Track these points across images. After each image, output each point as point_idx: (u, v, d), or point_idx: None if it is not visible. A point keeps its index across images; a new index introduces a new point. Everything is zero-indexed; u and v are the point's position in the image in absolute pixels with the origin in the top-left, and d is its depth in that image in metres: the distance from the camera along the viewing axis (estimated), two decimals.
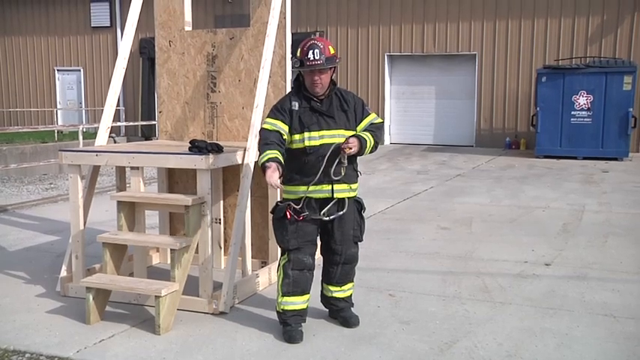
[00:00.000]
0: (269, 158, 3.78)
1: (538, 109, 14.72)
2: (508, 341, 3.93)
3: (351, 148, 3.83)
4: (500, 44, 17.22)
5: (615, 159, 14.14)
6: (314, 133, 3.89)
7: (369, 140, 3.94)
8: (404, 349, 3.82)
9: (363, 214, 4.17)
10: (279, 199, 4.25)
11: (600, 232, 6.99)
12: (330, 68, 3.94)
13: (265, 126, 3.97)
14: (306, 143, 3.89)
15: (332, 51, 3.90)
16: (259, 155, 3.88)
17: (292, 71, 5.37)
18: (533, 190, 10.07)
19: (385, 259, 5.82)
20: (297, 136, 3.92)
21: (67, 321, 4.34)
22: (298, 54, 3.89)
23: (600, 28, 16.30)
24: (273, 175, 3.72)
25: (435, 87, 18.37)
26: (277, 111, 3.98)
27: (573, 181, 11.13)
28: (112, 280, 4.38)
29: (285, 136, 3.93)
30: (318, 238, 4.10)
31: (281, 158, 3.82)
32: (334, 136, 3.89)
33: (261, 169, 3.84)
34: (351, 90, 19.24)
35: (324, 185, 3.91)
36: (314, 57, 3.82)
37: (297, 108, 3.92)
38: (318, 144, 3.88)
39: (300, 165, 3.91)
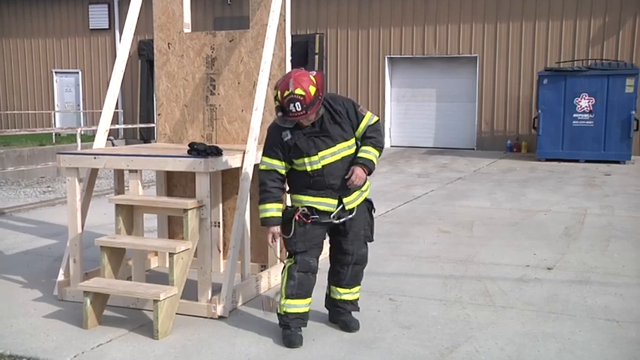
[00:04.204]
0: (270, 217, 3.93)
1: (539, 111, 14.72)
2: (510, 346, 3.92)
3: (356, 184, 3.89)
4: (502, 46, 17.24)
5: (617, 162, 14.14)
6: (313, 158, 3.88)
7: (373, 157, 3.96)
8: (404, 353, 3.82)
9: (373, 214, 4.18)
10: (288, 205, 4.26)
11: (602, 236, 6.98)
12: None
13: (262, 167, 4.01)
14: (308, 168, 3.90)
15: (313, 92, 3.72)
16: (260, 201, 3.98)
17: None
18: (534, 193, 10.07)
19: (385, 263, 5.82)
20: (297, 161, 3.93)
21: (65, 325, 4.33)
22: (279, 97, 3.75)
23: (602, 31, 16.33)
24: (274, 242, 3.98)
25: (436, 89, 18.38)
26: (270, 149, 3.97)
27: (575, 184, 11.13)
28: (110, 284, 4.38)
29: (283, 172, 3.98)
30: (327, 241, 4.13)
31: (279, 214, 3.95)
32: (335, 153, 3.90)
33: (261, 222, 4.00)
34: (351, 93, 19.20)
35: (329, 199, 3.94)
36: (296, 110, 3.72)
37: (289, 137, 3.89)
38: (320, 167, 3.89)
39: (307, 184, 3.95)
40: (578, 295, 4.92)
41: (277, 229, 3.96)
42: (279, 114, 3.79)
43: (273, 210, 3.95)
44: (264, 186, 3.97)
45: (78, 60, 22.18)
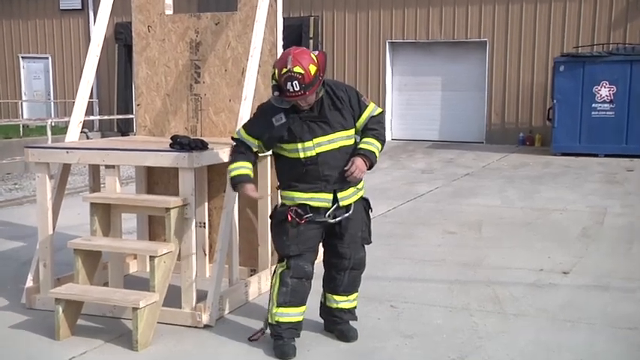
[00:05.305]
0: (242, 174, 3.99)
1: (555, 101, 14.77)
2: (521, 357, 3.96)
3: (355, 177, 3.91)
4: (514, 30, 17.27)
5: None
6: (308, 143, 3.90)
7: (376, 150, 3.99)
8: None
9: (370, 214, 4.21)
10: (278, 203, 4.28)
11: (624, 238, 7.03)
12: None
13: (235, 135, 4.12)
14: (301, 155, 3.91)
15: (313, 71, 3.75)
16: (230, 162, 4.08)
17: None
18: (549, 190, 10.12)
19: (386, 267, 5.85)
20: (289, 146, 3.94)
21: (34, 336, 4.33)
22: (276, 75, 3.80)
23: (625, 12, 16.36)
24: (252, 193, 4.01)
25: (442, 77, 18.41)
26: (253, 125, 4.05)
27: (594, 180, 11.19)
28: (85, 290, 4.38)
29: (255, 149, 4.06)
30: (320, 245, 4.14)
31: (251, 173, 4.05)
32: (332, 141, 3.91)
33: (230, 182, 4.06)
34: (350, 81, 19.12)
35: (323, 194, 3.95)
36: (293, 89, 3.74)
37: (283, 121, 3.91)
38: (314, 154, 3.90)
39: (299, 174, 3.95)
40: (597, 301, 4.96)
41: (251, 185, 4.02)
42: (276, 93, 3.82)
43: (245, 168, 4.01)
44: (236, 149, 4.08)
45: (47, 44, 22.11)
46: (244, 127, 4.10)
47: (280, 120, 3.91)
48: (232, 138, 4.16)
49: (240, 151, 4.06)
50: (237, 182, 4.00)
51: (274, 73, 3.82)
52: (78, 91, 5.32)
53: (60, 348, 4.13)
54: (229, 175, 4.04)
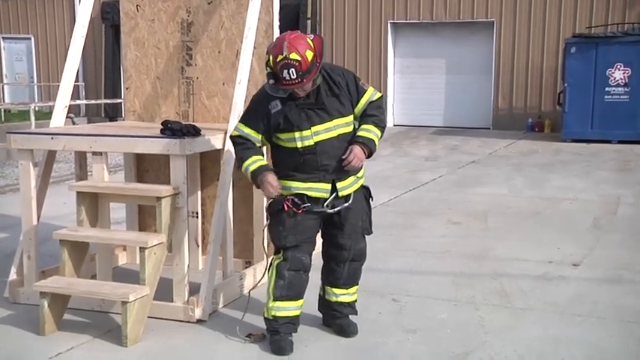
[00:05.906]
0: (260, 166, 3.95)
1: (566, 85, 14.75)
2: (529, 352, 3.98)
3: (354, 165, 3.91)
4: (523, 9, 17.22)
5: None
6: (305, 132, 3.89)
7: (375, 137, 4.00)
8: None
9: (371, 203, 4.23)
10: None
11: (637, 228, 7.05)
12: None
13: (234, 133, 4.06)
14: (299, 145, 3.91)
15: (310, 57, 3.71)
16: (242, 160, 3.99)
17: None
18: (559, 179, 10.14)
19: (388, 259, 5.87)
20: (286, 135, 3.93)
21: (17, 332, 4.35)
22: (271, 63, 3.76)
23: None
24: (274, 184, 3.91)
25: (446, 60, 18.38)
26: (251, 117, 4.01)
27: (606, 168, 11.21)
28: (71, 283, 4.39)
29: (259, 145, 4.03)
30: (319, 235, 4.15)
31: (266, 162, 4.03)
32: (330, 129, 3.92)
33: (251, 178, 3.98)
34: (349, 64, 19.08)
35: (322, 183, 3.96)
36: (290, 77, 3.70)
37: (279, 108, 3.90)
38: (312, 143, 3.90)
39: (296, 164, 3.95)
40: (608, 295, 4.98)
41: (272, 175, 3.95)
42: (271, 81, 3.79)
43: (260, 160, 3.98)
44: (242, 146, 4.01)
45: (30, 24, 22.01)
46: (243, 121, 4.05)
47: (276, 107, 3.90)
48: (232, 137, 4.09)
49: (247, 146, 3.99)
50: (260, 173, 3.93)
51: (268, 60, 3.78)
52: (63, 73, 5.31)
53: (45, 344, 4.14)
54: (249, 171, 3.96)
